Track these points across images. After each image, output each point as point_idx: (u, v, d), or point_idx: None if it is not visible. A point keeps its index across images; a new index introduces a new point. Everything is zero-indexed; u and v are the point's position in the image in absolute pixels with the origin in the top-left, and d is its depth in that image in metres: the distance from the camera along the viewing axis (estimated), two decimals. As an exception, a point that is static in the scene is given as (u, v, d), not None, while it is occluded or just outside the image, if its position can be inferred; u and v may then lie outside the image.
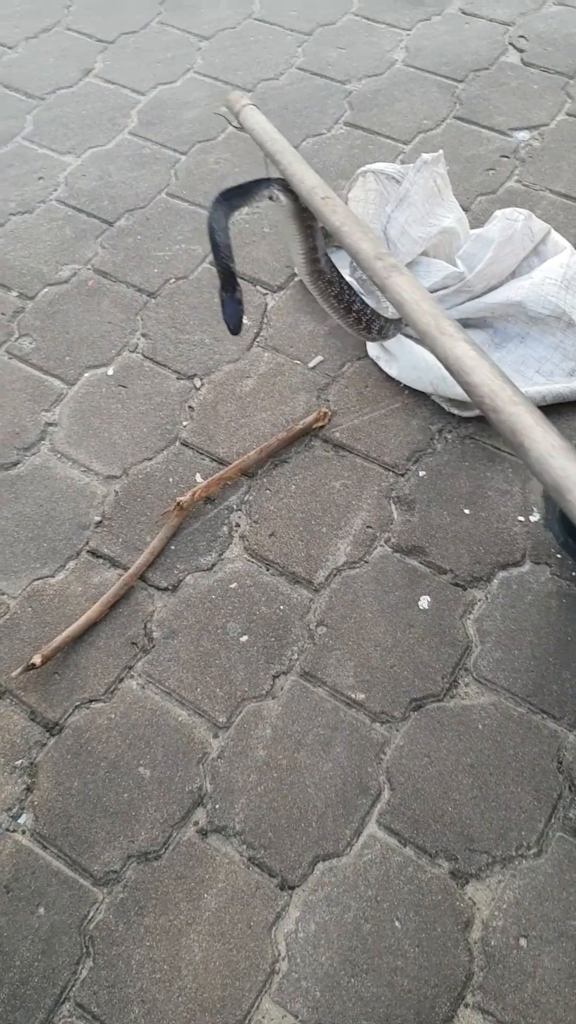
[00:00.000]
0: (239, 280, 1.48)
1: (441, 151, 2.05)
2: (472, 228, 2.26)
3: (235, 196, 1.50)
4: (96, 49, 3.01)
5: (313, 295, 1.68)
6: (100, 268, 2.34)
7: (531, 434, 0.94)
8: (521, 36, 2.97)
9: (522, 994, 1.34)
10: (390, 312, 1.93)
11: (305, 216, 1.57)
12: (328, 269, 1.63)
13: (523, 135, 2.64)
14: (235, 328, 1.50)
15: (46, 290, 2.30)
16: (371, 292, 2.03)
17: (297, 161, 1.52)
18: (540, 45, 2.93)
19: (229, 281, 1.48)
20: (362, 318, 1.72)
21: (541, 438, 0.93)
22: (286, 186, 1.52)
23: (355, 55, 2.93)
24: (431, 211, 2.04)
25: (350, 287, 1.68)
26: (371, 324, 1.74)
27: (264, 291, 2.26)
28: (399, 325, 1.85)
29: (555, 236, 2.11)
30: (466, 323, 2.08)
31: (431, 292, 2.02)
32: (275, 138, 1.60)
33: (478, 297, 2.03)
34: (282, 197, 1.53)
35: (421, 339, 1.16)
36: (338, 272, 1.66)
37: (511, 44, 2.95)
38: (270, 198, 1.54)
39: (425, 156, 2.00)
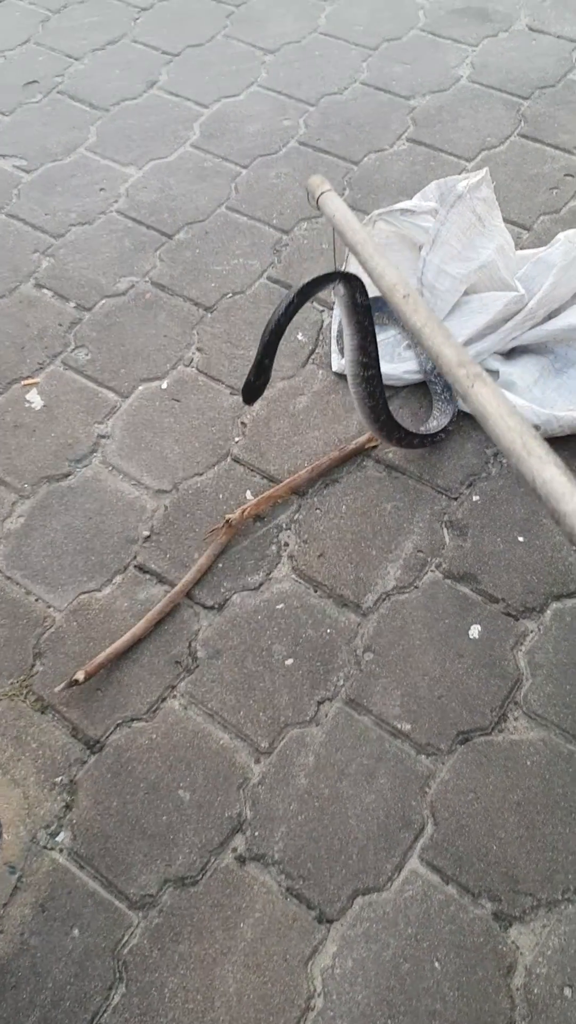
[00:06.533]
0: (270, 374, 1.54)
1: (486, 170, 2.00)
2: (533, 248, 2.22)
3: (309, 293, 1.52)
4: (161, 61, 3.02)
5: (350, 390, 1.73)
6: (158, 281, 2.34)
7: None
8: (590, 53, 2.92)
9: (565, 1046, 1.29)
10: (433, 424, 1.98)
11: (362, 316, 1.61)
12: (372, 380, 1.69)
13: (589, 154, 2.59)
14: (248, 401, 1.58)
15: (103, 302, 2.30)
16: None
17: (378, 255, 1.49)
18: (610, 63, 2.88)
19: (260, 370, 1.53)
20: (385, 428, 1.80)
21: None
22: (349, 280, 1.55)
23: (420, 70, 2.90)
24: (470, 244, 1.99)
25: (385, 400, 1.75)
26: (391, 433, 1.82)
27: (320, 308, 2.23)
28: (424, 440, 1.92)
29: (619, 259, 2.06)
30: (526, 349, 2.04)
31: (495, 325, 1.99)
32: (355, 228, 1.57)
33: (540, 324, 1.99)
34: (342, 290, 1.57)
35: (506, 456, 1.10)
36: (382, 387, 1.72)
37: (580, 61, 2.90)
38: (334, 291, 1.59)
39: (459, 186, 1.96)
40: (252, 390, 1.56)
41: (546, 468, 1.00)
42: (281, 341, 1.50)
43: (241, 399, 1.57)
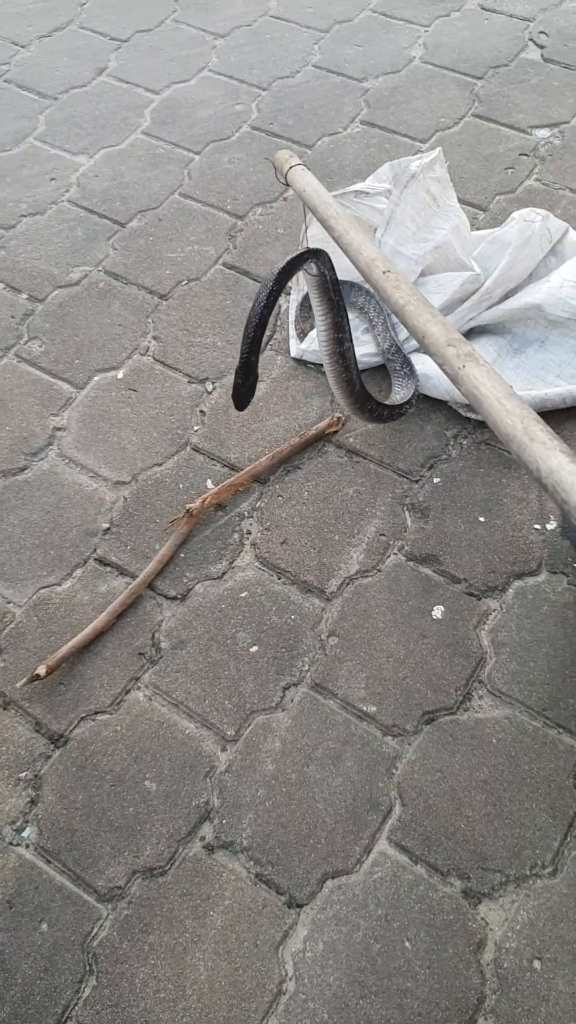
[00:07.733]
0: (257, 372, 1.49)
1: (439, 149, 2.00)
2: (489, 228, 2.22)
3: (284, 280, 1.47)
4: (110, 48, 2.99)
5: (325, 368, 1.70)
6: (111, 270, 2.32)
7: None
8: (542, 32, 2.92)
9: (535, 1018, 1.30)
10: (398, 398, 1.97)
11: (333, 291, 1.56)
12: (347, 353, 1.65)
13: (543, 133, 2.59)
14: (239, 407, 1.52)
15: (56, 292, 2.27)
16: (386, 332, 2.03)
17: (353, 230, 1.41)
18: (561, 41, 2.88)
19: (247, 370, 1.47)
20: (359, 400, 1.76)
21: None
22: (318, 256, 1.50)
23: (372, 52, 2.89)
24: (424, 224, 1.98)
25: (359, 372, 1.71)
26: (364, 405, 1.78)
27: (277, 293, 2.22)
28: (394, 412, 1.90)
29: (573, 235, 2.07)
30: (483, 330, 2.04)
31: (452, 305, 1.98)
32: (327, 202, 1.49)
33: (497, 304, 1.99)
34: (314, 268, 1.51)
35: (505, 443, 0.98)
36: (355, 362, 1.69)
37: (531, 40, 2.90)
38: (306, 270, 1.52)
39: (413, 166, 1.95)
40: (241, 394, 1.48)
41: (552, 456, 0.91)
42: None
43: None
